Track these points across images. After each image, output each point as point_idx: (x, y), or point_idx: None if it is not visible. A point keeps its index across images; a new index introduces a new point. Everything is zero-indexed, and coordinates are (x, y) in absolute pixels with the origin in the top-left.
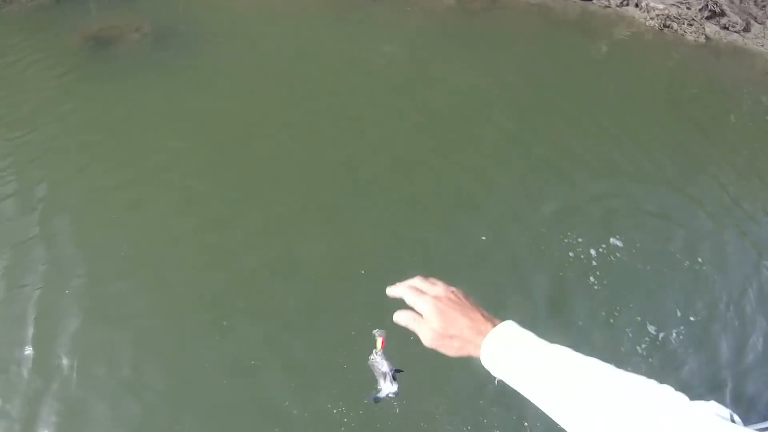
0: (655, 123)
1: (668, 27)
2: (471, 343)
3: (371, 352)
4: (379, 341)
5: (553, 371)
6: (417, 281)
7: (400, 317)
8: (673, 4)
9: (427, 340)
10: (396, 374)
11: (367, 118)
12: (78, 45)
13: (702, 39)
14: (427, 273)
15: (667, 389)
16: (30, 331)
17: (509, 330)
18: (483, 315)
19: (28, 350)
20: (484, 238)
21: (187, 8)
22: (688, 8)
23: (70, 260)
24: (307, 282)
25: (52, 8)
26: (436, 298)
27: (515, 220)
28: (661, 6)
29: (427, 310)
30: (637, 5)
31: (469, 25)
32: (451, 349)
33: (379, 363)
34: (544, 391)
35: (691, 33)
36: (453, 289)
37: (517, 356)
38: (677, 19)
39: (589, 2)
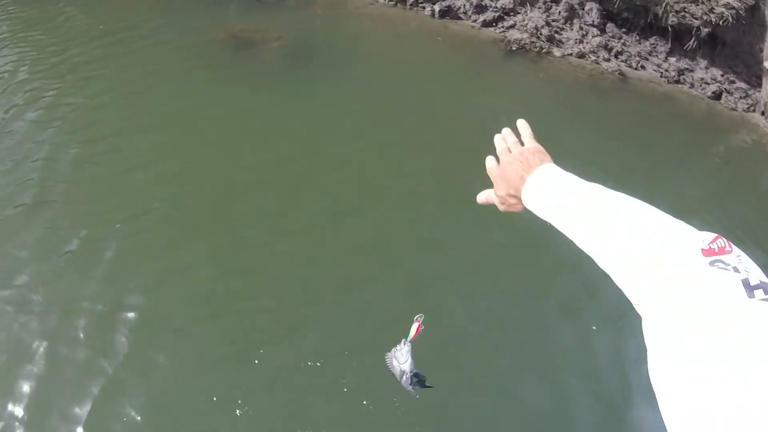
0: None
1: None
2: (516, 193)
3: (398, 344)
4: (415, 327)
5: (584, 207)
6: (506, 132)
7: (481, 196)
8: None
9: (493, 193)
10: (416, 378)
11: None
12: (219, 40)
13: None
14: None
15: (702, 235)
16: None
17: (548, 169)
18: (531, 164)
19: None
20: None
21: (325, 26)
22: None
23: None
24: None
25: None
26: (504, 156)
27: None
28: None
29: (496, 167)
30: (763, 113)
31: (596, 103)
32: (503, 188)
33: (402, 357)
34: (575, 226)
35: None
36: (527, 149)
37: (554, 193)
38: None
39: (717, 101)
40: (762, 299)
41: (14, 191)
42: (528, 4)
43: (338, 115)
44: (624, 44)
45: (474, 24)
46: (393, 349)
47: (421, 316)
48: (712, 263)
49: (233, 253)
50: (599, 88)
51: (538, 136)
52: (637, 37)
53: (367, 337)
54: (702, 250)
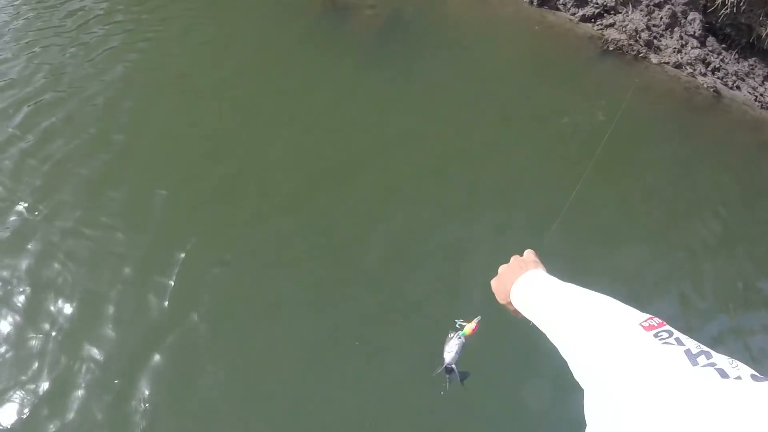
0: None
1: None
2: (505, 298)
3: (455, 331)
4: (472, 325)
5: (548, 303)
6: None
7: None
8: None
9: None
10: (451, 370)
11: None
12: (317, 2)
13: None
14: None
15: (628, 310)
16: None
17: (531, 275)
18: (525, 268)
19: None
20: None
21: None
22: None
23: None
24: None
25: None
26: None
27: None
28: None
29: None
30: None
31: (688, 118)
32: (500, 295)
33: (449, 346)
34: (544, 320)
35: None
36: (520, 258)
37: (530, 294)
38: None
39: None
40: (705, 365)
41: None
42: (630, 5)
43: (420, 99)
44: (722, 60)
45: (572, 17)
46: (450, 333)
47: (479, 318)
48: (655, 335)
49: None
50: (692, 102)
51: (627, 143)
52: (736, 56)
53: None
54: (642, 326)
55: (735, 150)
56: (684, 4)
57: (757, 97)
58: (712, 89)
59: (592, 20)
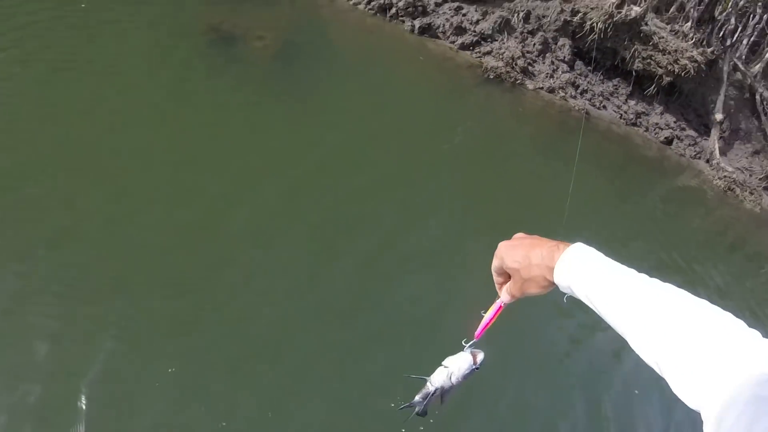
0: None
1: (731, 190)
2: (550, 273)
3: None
4: (477, 357)
5: (624, 284)
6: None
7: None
8: (738, 168)
9: (516, 289)
10: (440, 396)
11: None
12: (199, 31)
13: (758, 209)
14: None
15: (738, 323)
16: None
17: (582, 248)
18: (549, 241)
19: None
20: None
21: (306, 29)
22: (750, 175)
23: None
24: None
25: None
26: (497, 265)
27: None
28: (730, 168)
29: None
30: (708, 161)
31: (562, 138)
32: (539, 283)
33: (458, 370)
34: (613, 302)
35: (749, 201)
36: (510, 240)
37: (592, 269)
38: (741, 185)
39: (668, 146)
40: None
41: None
42: (506, 33)
43: (308, 132)
44: (589, 83)
45: (452, 45)
46: (461, 356)
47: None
48: None
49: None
50: (566, 124)
51: (507, 166)
52: (602, 77)
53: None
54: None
55: (606, 163)
56: (555, 31)
57: (621, 114)
58: (583, 111)
59: (471, 48)
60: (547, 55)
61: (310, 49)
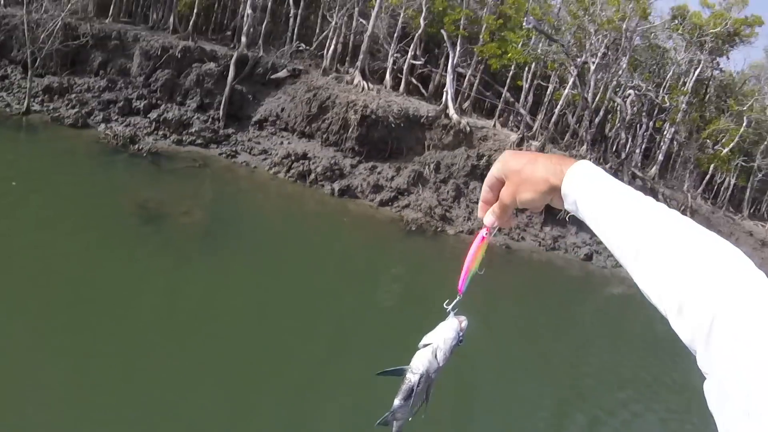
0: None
1: None
2: (556, 176)
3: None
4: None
5: (630, 202)
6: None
7: (487, 218)
8: None
9: (508, 194)
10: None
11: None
12: (128, 212)
13: None
14: None
15: (746, 260)
16: None
17: (592, 165)
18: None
19: None
20: None
21: (230, 201)
22: None
23: None
24: None
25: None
26: (496, 170)
27: None
28: None
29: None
30: None
31: (488, 273)
32: (537, 185)
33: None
34: (615, 218)
35: None
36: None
37: (601, 183)
38: None
39: (589, 262)
40: None
41: None
42: (420, 184)
43: (247, 302)
44: None
45: (372, 203)
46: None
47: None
48: None
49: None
50: (491, 261)
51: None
52: (514, 212)
53: None
54: None
55: (534, 289)
56: (465, 176)
57: (540, 242)
58: (504, 246)
59: (390, 203)
60: (461, 199)
61: (236, 221)
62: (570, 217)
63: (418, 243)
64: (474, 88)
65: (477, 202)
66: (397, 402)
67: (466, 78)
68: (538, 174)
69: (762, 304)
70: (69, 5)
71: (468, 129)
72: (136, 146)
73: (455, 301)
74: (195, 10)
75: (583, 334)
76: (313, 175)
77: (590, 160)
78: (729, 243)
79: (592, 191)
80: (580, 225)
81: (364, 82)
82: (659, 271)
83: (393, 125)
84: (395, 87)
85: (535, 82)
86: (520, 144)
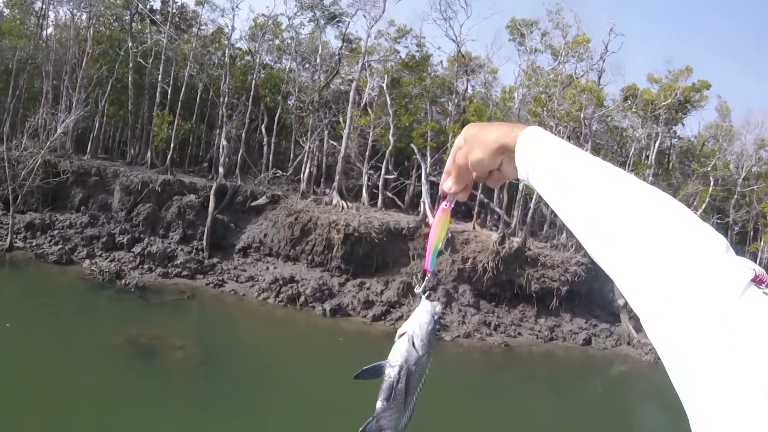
0: None
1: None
2: (507, 136)
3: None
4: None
5: (582, 164)
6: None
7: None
8: None
9: (461, 155)
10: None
11: None
12: (119, 347)
13: None
14: None
15: (702, 226)
16: None
17: (542, 130)
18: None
19: None
20: None
21: (223, 332)
22: None
23: None
24: None
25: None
26: (457, 143)
27: None
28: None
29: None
30: (629, 343)
31: (490, 375)
32: (488, 144)
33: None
34: (563, 179)
35: None
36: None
37: (551, 145)
38: None
39: (589, 346)
40: None
41: None
42: (410, 295)
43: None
44: (498, 317)
45: (365, 320)
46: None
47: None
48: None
49: None
50: (492, 362)
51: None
52: (507, 308)
53: None
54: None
55: (537, 383)
56: (453, 281)
57: (537, 335)
58: (503, 345)
59: (382, 318)
60: (453, 304)
61: (229, 353)
62: (563, 305)
63: None
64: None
65: (469, 305)
66: (379, 404)
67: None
68: (490, 135)
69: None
70: (48, 143)
71: (450, 235)
72: (123, 281)
73: (425, 282)
74: (172, 144)
75: (589, 418)
76: (303, 298)
77: (572, 248)
78: (674, 200)
79: (543, 153)
80: (573, 311)
81: (343, 202)
82: (607, 234)
83: (376, 240)
84: (372, 202)
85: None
86: (501, 242)
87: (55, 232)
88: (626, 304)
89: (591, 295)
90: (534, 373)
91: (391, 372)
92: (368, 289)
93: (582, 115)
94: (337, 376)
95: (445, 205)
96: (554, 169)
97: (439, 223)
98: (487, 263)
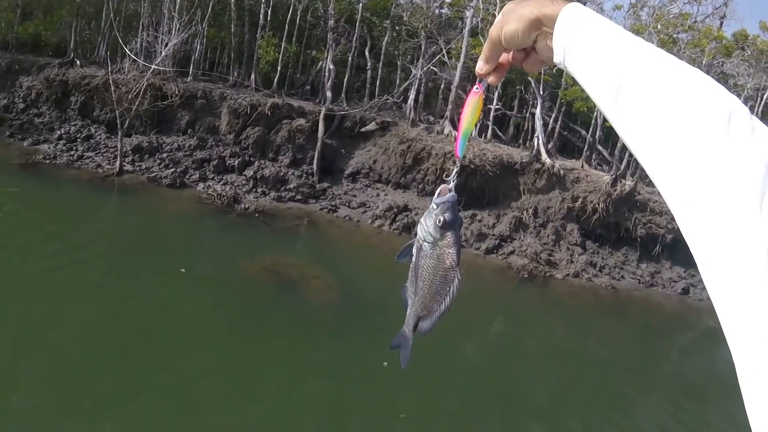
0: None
1: None
2: (545, 7)
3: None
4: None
5: (621, 42)
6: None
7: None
8: None
9: (495, 29)
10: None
11: None
12: (256, 276)
13: None
14: None
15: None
16: None
17: (585, 8)
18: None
19: None
20: None
21: (352, 261)
22: None
23: None
24: None
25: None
26: (497, 22)
27: None
28: None
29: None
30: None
31: (598, 317)
32: (523, 16)
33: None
34: (598, 55)
35: None
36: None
37: (591, 22)
38: None
39: (687, 296)
40: None
41: None
42: (521, 230)
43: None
44: (602, 258)
45: (478, 252)
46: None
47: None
48: None
49: None
50: (602, 304)
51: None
52: (610, 250)
53: None
54: None
55: (638, 328)
56: (561, 219)
57: (639, 279)
58: (609, 287)
59: (495, 251)
60: (561, 243)
61: (362, 285)
62: (664, 252)
63: (531, 290)
64: (557, 131)
65: (576, 244)
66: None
67: (551, 121)
68: (527, 8)
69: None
70: (153, 65)
71: (561, 173)
72: (242, 206)
73: (455, 171)
74: (279, 68)
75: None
76: None
77: None
78: (712, 80)
79: (581, 29)
80: (674, 259)
81: (455, 132)
82: (639, 113)
83: (490, 173)
84: (479, 133)
85: None
86: (614, 184)
87: (164, 155)
88: None
89: None
90: (637, 318)
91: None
92: (480, 221)
93: (704, 62)
94: (461, 308)
95: (476, 89)
96: (591, 46)
97: (470, 107)
98: (598, 204)
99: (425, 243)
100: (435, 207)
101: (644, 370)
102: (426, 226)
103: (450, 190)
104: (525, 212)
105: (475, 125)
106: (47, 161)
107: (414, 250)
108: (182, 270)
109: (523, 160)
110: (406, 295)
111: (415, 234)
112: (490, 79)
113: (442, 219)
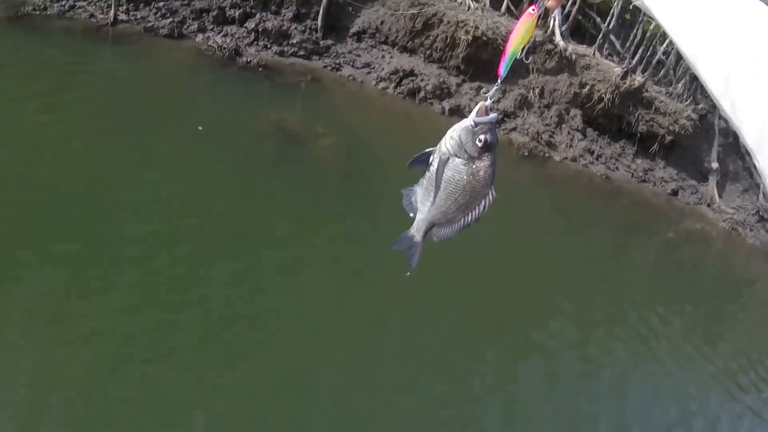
0: None
1: (735, 230)
2: None
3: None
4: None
5: None
6: None
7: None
8: (734, 208)
9: None
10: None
11: None
12: (263, 131)
13: (758, 243)
14: None
15: None
16: None
17: None
18: None
19: None
20: None
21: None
22: (745, 213)
23: None
24: None
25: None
26: None
27: None
28: (730, 210)
29: None
30: (709, 205)
31: (589, 204)
32: None
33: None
34: None
35: (750, 237)
36: None
37: None
38: (742, 224)
39: (675, 197)
40: None
41: None
42: (525, 108)
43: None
44: (600, 147)
45: None
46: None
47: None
48: None
49: None
50: (593, 190)
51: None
52: (609, 140)
53: None
54: None
55: (623, 220)
56: (566, 103)
57: (632, 173)
58: (604, 176)
59: (497, 126)
60: (563, 126)
61: (365, 143)
62: (660, 151)
63: (528, 168)
64: (572, 14)
65: (577, 129)
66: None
67: (568, 3)
68: None
69: None
70: None
71: (573, 57)
72: (244, 59)
73: (494, 87)
74: None
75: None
76: (422, 93)
77: (687, 101)
78: None
79: None
80: (668, 159)
81: (470, 1)
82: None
83: (501, 48)
84: (494, 5)
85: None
86: (624, 77)
87: (161, 3)
88: (718, 168)
89: (688, 149)
90: (623, 209)
91: (431, 157)
92: (485, 94)
93: None
94: None
95: (533, 10)
96: None
97: (522, 27)
98: (605, 94)
99: (456, 158)
100: (474, 125)
101: (622, 254)
102: (461, 141)
103: (488, 108)
104: (531, 91)
105: (523, 48)
106: (37, 12)
107: (435, 161)
108: (200, 128)
109: (537, 39)
110: (412, 199)
111: (435, 147)
112: (549, 2)
113: (483, 138)
